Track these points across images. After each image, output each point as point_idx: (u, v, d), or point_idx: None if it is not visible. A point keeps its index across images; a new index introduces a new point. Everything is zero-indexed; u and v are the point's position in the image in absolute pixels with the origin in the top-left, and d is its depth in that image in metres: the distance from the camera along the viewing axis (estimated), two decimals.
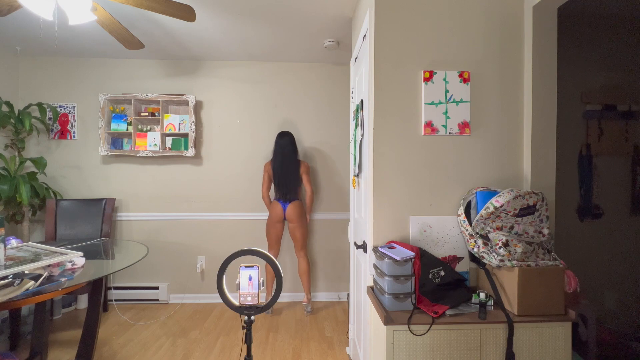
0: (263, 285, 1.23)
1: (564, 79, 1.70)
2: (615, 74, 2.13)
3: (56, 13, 2.13)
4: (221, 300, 1.25)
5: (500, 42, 1.50)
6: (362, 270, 1.78)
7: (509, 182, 1.50)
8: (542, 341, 1.21)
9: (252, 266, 1.22)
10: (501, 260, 1.23)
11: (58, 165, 3.11)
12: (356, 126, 1.89)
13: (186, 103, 3.09)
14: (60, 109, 3.10)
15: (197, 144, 3.15)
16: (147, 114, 3.05)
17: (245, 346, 1.26)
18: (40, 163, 2.83)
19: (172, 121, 3.05)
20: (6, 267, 1.51)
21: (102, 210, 2.93)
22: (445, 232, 1.46)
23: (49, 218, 2.84)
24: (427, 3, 1.48)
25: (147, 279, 3.16)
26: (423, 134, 1.47)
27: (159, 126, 3.07)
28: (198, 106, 3.17)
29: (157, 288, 3.12)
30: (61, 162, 3.12)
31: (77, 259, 1.76)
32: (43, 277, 1.55)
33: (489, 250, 1.28)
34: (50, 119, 3.09)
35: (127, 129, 3.03)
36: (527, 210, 1.25)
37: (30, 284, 1.45)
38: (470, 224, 1.35)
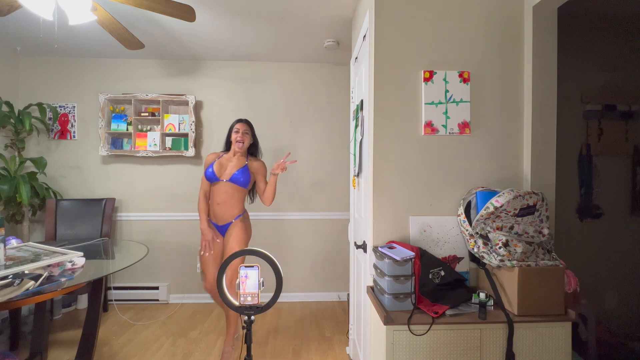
0: (263, 285, 1.23)
1: (564, 79, 1.70)
2: (615, 74, 2.13)
3: (56, 13, 2.12)
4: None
5: (500, 42, 1.50)
6: (362, 270, 1.78)
7: (509, 182, 1.50)
8: (542, 341, 1.21)
9: (252, 266, 1.21)
10: (501, 260, 1.23)
11: (58, 165, 3.11)
12: (356, 126, 1.89)
13: (186, 103, 3.09)
14: (60, 109, 3.10)
15: (197, 144, 3.15)
16: (147, 114, 3.05)
17: (245, 346, 1.26)
18: (40, 163, 2.82)
19: (172, 121, 3.05)
20: (6, 267, 1.51)
21: (102, 210, 2.93)
22: (445, 232, 1.46)
23: (49, 218, 2.84)
24: (427, 3, 1.48)
25: (147, 279, 3.16)
26: (423, 134, 1.47)
27: (159, 126, 3.07)
28: (198, 106, 3.17)
29: (157, 288, 3.12)
30: (61, 162, 3.12)
31: (77, 259, 1.76)
32: (43, 277, 1.55)
33: (489, 250, 1.28)
34: (50, 119, 3.09)
35: (127, 129, 3.03)
36: (527, 210, 1.25)
37: (30, 284, 1.45)
38: (470, 224, 1.35)
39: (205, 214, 2.19)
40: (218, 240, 2.18)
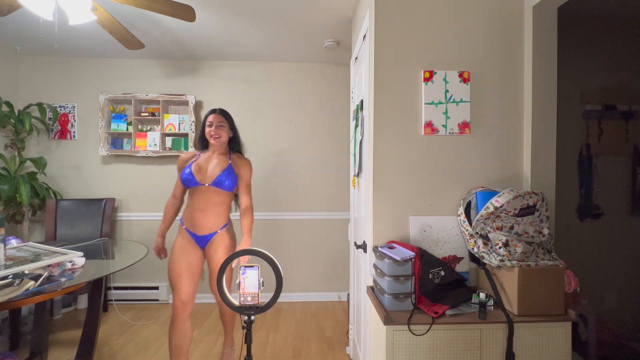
0: (263, 285, 1.23)
1: (564, 79, 1.70)
2: (615, 74, 2.13)
3: (56, 13, 2.13)
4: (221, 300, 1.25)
5: (500, 42, 1.50)
6: (362, 270, 1.78)
7: (509, 182, 1.50)
8: (542, 341, 1.21)
9: (252, 266, 1.21)
10: (501, 260, 1.23)
11: (58, 165, 3.11)
12: (356, 126, 1.89)
13: (186, 103, 3.09)
14: (60, 109, 3.10)
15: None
16: (147, 114, 3.05)
17: (245, 346, 1.26)
18: (40, 163, 2.83)
19: (172, 121, 3.05)
20: (6, 267, 1.51)
21: (102, 210, 2.93)
22: (445, 232, 1.45)
23: (49, 218, 2.84)
24: (427, 3, 1.48)
25: (147, 279, 3.16)
26: (423, 134, 1.47)
27: (159, 126, 3.07)
28: (198, 106, 3.17)
29: (157, 288, 3.12)
30: (61, 162, 3.12)
31: (77, 259, 1.76)
32: (43, 277, 1.55)
33: (489, 250, 1.28)
34: (50, 119, 3.09)
35: (127, 129, 3.03)
36: (527, 210, 1.25)
37: (30, 284, 1.45)
38: (470, 224, 1.35)
39: (170, 221, 1.97)
40: (163, 256, 1.96)
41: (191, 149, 3.01)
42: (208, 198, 1.83)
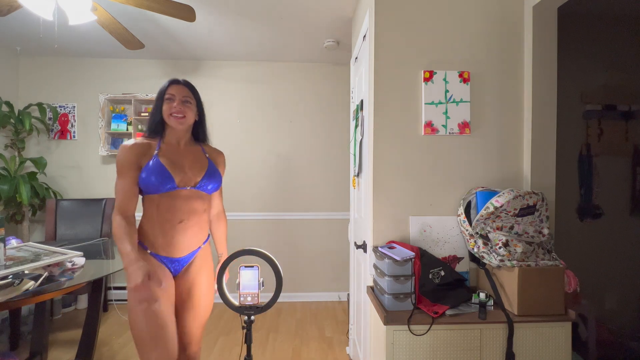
0: (263, 285, 1.23)
1: (564, 79, 1.70)
2: (615, 74, 2.13)
3: (56, 13, 2.12)
4: (221, 300, 1.25)
5: (500, 42, 1.50)
6: (362, 270, 1.78)
7: (509, 182, 1.50)
8: (542, 341, 1.21)
9: (252, 266, 1.22)
10: (501, 260, 1.23)
11: (58, 165, 3.11)
12: (356, 126, 1.89)
13: None
14: (60, 109, 3.10)
15: None
16: (147, 114, 3.04)
17: (245, 346, 1.26)
18: (40, 163, 2.83)
19: None
20: (6, 267, 1.51)
21: (102, 210, 2.93)
22: (445, 232, 1.45)
23: (49, 218, 2.84)
24: (427, 3, 1.48)
25: None
26: (423, 134, 1.47)
27: None
28: None
29: None
30: (61, 162, 3.12)
31: (77, 259, 1.76)
32: (43, 277, 1.55)
33: (489, 250, 1.28)
34: (50, 119, 3.09)
35: (127, 129, 3.03)
36: (527, 210, 1.25)
37: (30, 284, 1.45)
38: (470, 224, 1.35)
39: (134, 240, 1.25)
40: (163, 285, 1.22)
41: None
42: (190, 206, 1.32)
